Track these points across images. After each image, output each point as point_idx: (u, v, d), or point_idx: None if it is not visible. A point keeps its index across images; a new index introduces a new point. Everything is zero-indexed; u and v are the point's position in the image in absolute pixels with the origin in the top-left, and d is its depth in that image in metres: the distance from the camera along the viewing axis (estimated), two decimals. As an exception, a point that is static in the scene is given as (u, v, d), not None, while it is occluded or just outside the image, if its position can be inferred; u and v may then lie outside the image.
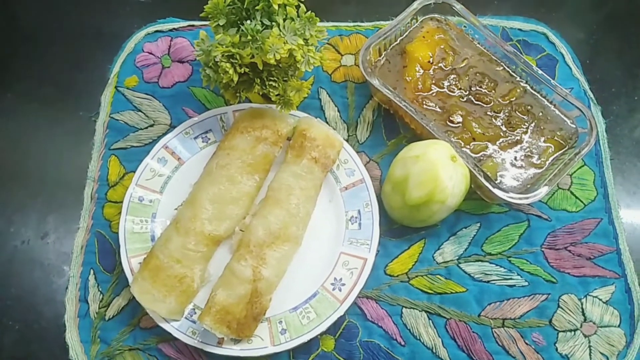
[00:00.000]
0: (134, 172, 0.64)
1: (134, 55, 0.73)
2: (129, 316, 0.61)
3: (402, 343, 0.59)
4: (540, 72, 0.65)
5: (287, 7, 0.56)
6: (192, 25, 0.75)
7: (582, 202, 0.65)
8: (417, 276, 0.62)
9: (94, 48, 0.75)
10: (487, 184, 0.59)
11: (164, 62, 0.73)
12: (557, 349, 0.59)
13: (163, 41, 0.74)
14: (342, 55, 0.73)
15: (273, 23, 0.56)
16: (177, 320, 0.58)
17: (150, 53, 0.73)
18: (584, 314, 0.60)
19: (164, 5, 0.78)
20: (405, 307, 0.61)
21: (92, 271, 0.63)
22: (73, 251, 0.64)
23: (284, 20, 0.56)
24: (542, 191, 0.58)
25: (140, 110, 0.70)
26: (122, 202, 0.63)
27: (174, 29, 0.75)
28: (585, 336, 0.59)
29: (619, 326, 0.60)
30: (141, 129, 0.69)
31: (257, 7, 0.55)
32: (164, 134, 0.68)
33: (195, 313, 0.59)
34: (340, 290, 0.59)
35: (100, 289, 0.62)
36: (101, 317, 0.61)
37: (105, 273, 0.63)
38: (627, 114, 0.72)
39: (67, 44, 0.76)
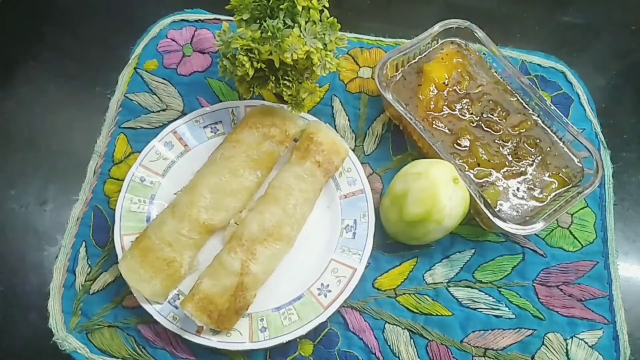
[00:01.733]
0: (140, 152, 0.65)
1: (157, 40, 0.75)
2: (113, 293, 0.61)
3: (381, 358, 0.59)
4: (553, 108, 0.65)
5: (311, 10, 0.57)
6: (218, 19, 0.76)
7: (580, 242, 0.65)
8: (404, 293, 0.62)
9: (120, 28, 0.77)
10: (486, 211, 0.59)
11: (185, 51, 0.74)
12: (536, 387, 0.58)
13: (187, 30, 0.76)
14: (360, 67, 0.74)
15: (295, 24, 0.56)
16: (159, 303, 0.58)
17: (173, 40, 0.75)
18: (567, 355, 0.59)
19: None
20: (389, 323, 0.60)
21: (84, 244, 0.63)
22: (68, 222, 0.64)
23: (306, 22, 0.56)
24: (539, 225, 0.58)
25: (155, 94, 0.71)
26: (123, 180, 0.63)
27: (199, 20, 0.76)
28: (566, 378, 0.58)
29: (601, 372, 0.59)
30: (153, 111, 0.70)
31: (281, 6, 0.56)
32: (175, 120, 0.69)
33: (178, 298, 0.59)
34: (325, 296, 0.59)
35: (89, 262, 0.62)
36: (86, 290, 0.61)
37: (97, 247, 0.63)
38: (637, 161, 0.71)
39: (96, 20, 0.78)
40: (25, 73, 0.74)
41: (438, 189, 0.56)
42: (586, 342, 0.60)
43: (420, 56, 0.70)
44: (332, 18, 0.58)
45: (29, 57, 0.75)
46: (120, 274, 0.58)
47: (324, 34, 0.57)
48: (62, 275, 0.62)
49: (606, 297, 0.62)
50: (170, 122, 0.69)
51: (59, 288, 0.61)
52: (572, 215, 0.66)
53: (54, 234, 0.65)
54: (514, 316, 0.61)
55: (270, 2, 0.56)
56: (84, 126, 0.70)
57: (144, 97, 0.71)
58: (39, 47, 0.76)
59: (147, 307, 0.58)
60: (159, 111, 0.70)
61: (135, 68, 0.73)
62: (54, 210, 0.66)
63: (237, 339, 0.57)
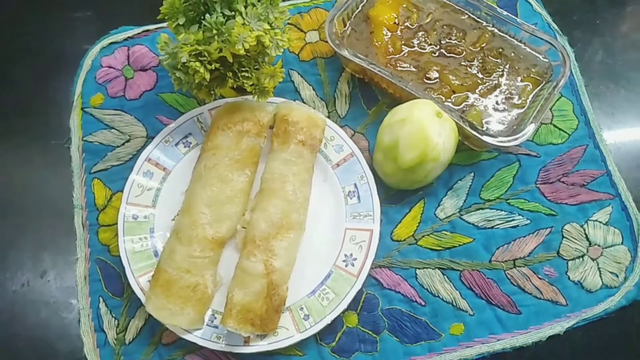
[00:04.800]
0: (121, 191, 0.62)
1: (94, 72, 0.70)
2: (148, 335, 0.60)
3: (423, 303, 0.60)
4: (504, 12, 0.65)
5: (246, -7, 0.54)
6: (147, 30, 0.72)
7: (566, 132, 0.67)
8: (423, 236, 0.63)
9: (52, 72, 0.72)
10: (474, 133, 0.59)
11: (126, 74, 0.70)
12: (569, 277, 0.61)
13: (120, 52, 0.71)
14: (305, 33, 0.72)
15: (234, 12, 0.54)
16: (199, 329, 0.58)
17: (110, 67, 0.71)
18: (588, 239, 0.62)
19: (111, 16, 0.75)
20: (418, 269, 0.61)
21: (101, 299, 0.61)
22: (77, 283, 0.62)
23: (245, 7, 0.54)
24: (530, 129, 0.59)
25: (113, 128, 0.68)
26: (115, 224, 0.61)
27: (129, 37, 0.72)
28: (592, 259, 0.61)
29: (622, 243, 0.62)
30: (118, 146, 0.67)
31: (214, -1, 0.53)
32: (143, 147, 0.66)
33: (215, 318, 0.58)
34: (352, 265, 0.60)
35: (113, 315, 0.61)
36: (121, 342, 0.60)
37: (115, 298, 0.61)
38: (592, 37, 0.73)
39: (23, 72, 0.73)
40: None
41: (426, 129, 0.56)
42: (600, 222, 0.63)
43: (362, 3, 0.68)
44: (268, -5, 0.55)
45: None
46: (149, 315, 0.57)
47: (267, 13, 0.55)
48: (92, 337, 0.60)
49: (604, 174, 0.65)
50: (139, 151, 0.66)
51: (94, 350, 0.60)
52: (550, 109, 0.67)
53: (66, 300, 0.62)
54: (529, 221, 0.63)
55: (202, -2, 0.54)
56: (55, 183, 0.66)
57: (103, 135, 0.67)
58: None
59: (189, 337, 0.57)
60: (123, 144, 0.67)
61: (82, 108, 0.69)
62: (57, 278, 0.64)
63: (285, 335, 0.57)
